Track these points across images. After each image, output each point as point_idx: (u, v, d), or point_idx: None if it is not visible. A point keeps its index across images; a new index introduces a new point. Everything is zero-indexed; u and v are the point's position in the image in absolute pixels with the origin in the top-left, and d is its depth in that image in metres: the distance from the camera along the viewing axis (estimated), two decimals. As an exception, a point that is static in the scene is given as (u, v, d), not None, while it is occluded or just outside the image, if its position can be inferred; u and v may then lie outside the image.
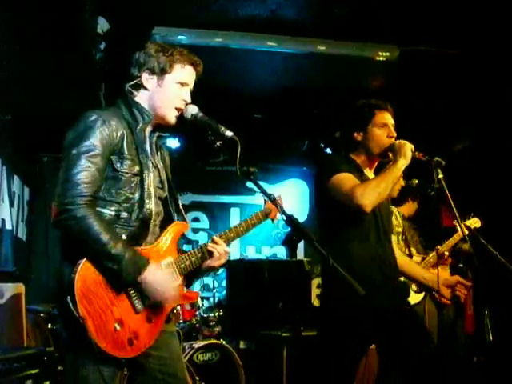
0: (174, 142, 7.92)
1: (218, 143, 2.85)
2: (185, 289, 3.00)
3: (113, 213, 2.75)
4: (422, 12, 5.24)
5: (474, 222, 5.06)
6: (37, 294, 6.95)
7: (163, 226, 2.99)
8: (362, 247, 3.57)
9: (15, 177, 5.85)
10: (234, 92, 6.63)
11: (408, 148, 3.53)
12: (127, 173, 2.78)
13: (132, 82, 2.92)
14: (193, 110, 2.94)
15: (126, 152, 2.78)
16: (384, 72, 6.16)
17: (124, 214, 2.77)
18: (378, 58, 5.94)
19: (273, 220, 3.45)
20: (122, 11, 5.24)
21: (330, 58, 5.93)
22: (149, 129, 2.95)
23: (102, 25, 5.22)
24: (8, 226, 5.54)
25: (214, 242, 3.09)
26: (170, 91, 2.92)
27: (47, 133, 7.05)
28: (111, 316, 2.65)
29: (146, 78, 2.90)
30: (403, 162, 3.52)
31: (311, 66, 6.14)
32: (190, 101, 2.95)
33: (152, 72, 2.90)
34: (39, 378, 4.10)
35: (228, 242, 3.17)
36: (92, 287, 2.61)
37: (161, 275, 2.76)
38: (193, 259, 3.00)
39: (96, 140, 2.69)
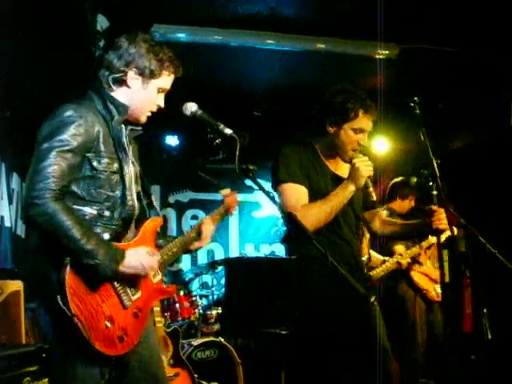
0: (173, 140, 7.93)
1: (217, 141, 2.85)
2: (164, 284, 3.04)
3: (95, 212, 2.71)
4: (421, 10, 5.24)
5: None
6: (36, 291, 6.95)
7: (137, 221, 2.95)
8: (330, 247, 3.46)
9: (14, 174, 5.83)
10: (233, 89, 6.63)
11: (361, 174, 3.37)
12: (106, 171, 2.73)
13: (116, 76, 2.83)
14: (192, 107, 2.94)
15: (102, 149, 2.73)
16: (383, 70, 6.15)
17: (106, 213, 2.74)
18: (377, 56, 5.94)
19: (228, 214, 3.60)
20: (122, 9, 5.24)
21: (329, 55, 5.94)
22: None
23: (102, 22, 5.22)
24: (7, 224, 5.53)
25: (203, 222, 3.28)
26: (151, 95, 2.88)
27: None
28: (102, 313, 2.64)
29: (132, 77, 2.83)
30: (352, 189, 3.40)
31: (310, 63, 6.14)
32: (163, 106, 2.93)
33: (140, 73, 2.83)
34: (38, 376, 4.09)
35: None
36: (82, 285, 2.60)
37: (139, 253, 2.74)
38: (169, 253, 3.07)
39: (70, 136, 2.62)
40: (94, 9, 5.17)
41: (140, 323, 2.82)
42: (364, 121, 3.50)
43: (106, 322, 2.64)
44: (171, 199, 8.22)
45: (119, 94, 2.86)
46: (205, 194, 8.38)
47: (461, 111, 6.53)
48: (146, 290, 2.85)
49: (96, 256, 2.57)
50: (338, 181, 3.55)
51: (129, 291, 2.76)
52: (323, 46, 5.88)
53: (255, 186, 2.79)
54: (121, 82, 2.85)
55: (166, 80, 2.90)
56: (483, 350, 5.76)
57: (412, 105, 3.39)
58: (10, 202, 5.67)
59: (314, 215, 3.37)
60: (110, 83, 2.84)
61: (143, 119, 2.93)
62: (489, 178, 6.43)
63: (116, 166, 2.77)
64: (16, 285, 4.93)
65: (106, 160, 2.73)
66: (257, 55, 5.94)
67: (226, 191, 3.50)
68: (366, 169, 3.37)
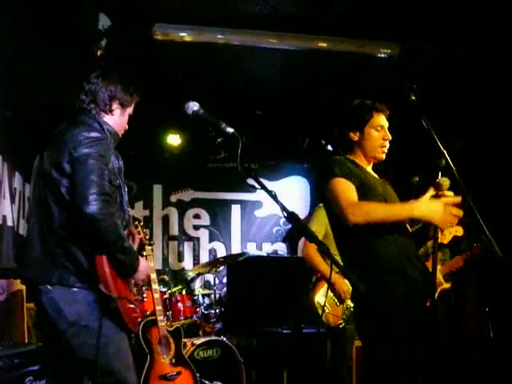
0: (174, 139, 7.93)
1: (218, 140, 2.87)
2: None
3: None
4: (423, 9, 5.24)
5: (456, 231, 4.99)
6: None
7: None
8: (386, 242, 3.49)
9: (16, 173, 5.84)
10: (235, 89, 6.63)
11: (439, 218, 3.31)
12: (113, 185, 3.20)
13: (103, 108, 3.38)
14: (194, 106, 2.96)
15: (111, 166, 3.19)
16: (385, 69, 6.16)
17: (119, 222, 3.18)
18: (379, 55, 5.94)
19: None
20: (123, 7, 5.24)
21: (331, 54, 5.93)
22: None
23: (103, 21, 5.22)
24: (9, 223, 5.53)
25: None
26: (124, 120, 3.50)
27: (48, 129, 7.06)
28: (127, 298, 3.22)
29: (115, 108, 3.42)
30: (417, 215, 3.37)
31: (312, 62, 6.14)
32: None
33: (121, 105, 3.44)
34: (40, 375, 4.10)
35: None
36: (114, 275, 3.13)
37: (143, 262, 3.38)
38: None
39: (103, 150, 3.14)
40: (95, 7, 5.17)
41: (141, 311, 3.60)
42: (379, 118, 3.72)
43: (131, 305, 3.26)
44: (173, 198, 8.22)
45: (109, 119, 3.41)
46: (207, 193, 8.39)
47: (461, 111, 6.52)
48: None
49: (130, 254, 3.21)
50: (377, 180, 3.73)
51: (132, 285, 3.39)
52: (325, 44, 5.88)
53: (257, 185, 2.80)
54: (107, 112, 3.42)
55: (133, 106, 3.54)
56: (486, 349, 5.77)
57: (406, 91, 3.41)
58: (13, 202, 5.68)
59: (373, 213, 3.36)
60: (101, 112, 3.40)
61: (120, 134, 3.51)
62: (488, 179, 6.42)
63: (118, 181, 3.27)
64: (18, 284, 4.94)
65: (113, 176, 3.21)
66: (257, 54, 5.94)
67: None
68: (449, 219, 3.31)
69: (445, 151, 3.32)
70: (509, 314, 5.87)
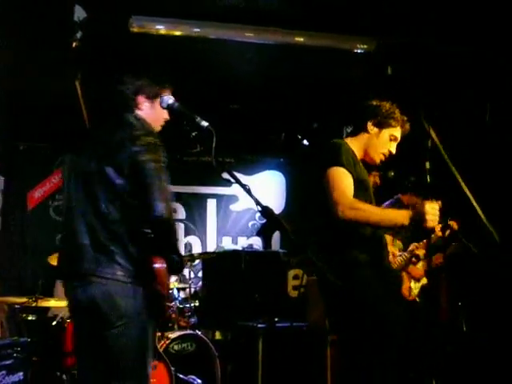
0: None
1: (193, 133, 2.88)
2: None
3: None
4: (399, 3, 5.26)
5: (452, 225, 5.07)
6: (12, 284, 6.92)
7: None
8: (370, 232, 3.61)
9: None
10: (211, 82, 6.61)
11: (424, 220, 3.40)
12: None
13: (131, 103, 3.38)
14: (168, 100, 2.97)
15: None
16: (362, 64, 6.18)
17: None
18: (355, 50, 5.96)
19: None
20: (99, -1, 5.20)
21: (307, 49, 5.94)
22: None
23: (79, 13, 5.18)
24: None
25: None
26: (157, 113, 3.38)
27: (23, 121, 7.01)
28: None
29: (142, 101, 3.35)
30: (405, 223, 3.46)
31: (288, 56, 6.14)
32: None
33: (148, 98, 3.34)
34: (13, 369, 4.09)
35: None
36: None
37: None
38: None
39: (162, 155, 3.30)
40: (71, -1, 5.13)
41: None
42: (399, 131, 3.84)
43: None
44: (148, 192, 8.18)
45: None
46: (183, 187, 8.36)
47: (437, 108, 6.55)
48: None
49: (180, 256, 3.30)
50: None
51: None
52: (301, 39, 5.88)
53: (232, 179, 2.80)
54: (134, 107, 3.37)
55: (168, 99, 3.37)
56: (459, 342, 5.83)
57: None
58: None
59: (364, 216, 3.44)
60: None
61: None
62: (466, 176, 6.46)
63: None
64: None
65: None
66: (234, 48, 5.92)
67: None
68: (432, 218, 3.41)
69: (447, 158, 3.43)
70: (481, 308, 5.94)
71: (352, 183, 3.54)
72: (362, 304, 3.44)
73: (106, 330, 3.08)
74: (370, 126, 3.80)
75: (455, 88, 6.23)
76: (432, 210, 3.39)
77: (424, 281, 5.39)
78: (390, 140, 3.81)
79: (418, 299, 5.34)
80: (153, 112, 3.36)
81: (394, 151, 3.83)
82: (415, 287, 5.50)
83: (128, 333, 3.12)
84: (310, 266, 3.06)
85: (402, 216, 3.44)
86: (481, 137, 6.36)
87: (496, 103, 6.23)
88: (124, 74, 3.38)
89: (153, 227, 3.13)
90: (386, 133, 3.79)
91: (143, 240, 3.15)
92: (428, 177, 3.85)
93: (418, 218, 3.40)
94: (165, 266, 3.18)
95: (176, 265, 3.26)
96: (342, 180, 3.51)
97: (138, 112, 3.34)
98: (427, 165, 3.87)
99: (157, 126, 3.41)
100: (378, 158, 3.83)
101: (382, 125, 3.79)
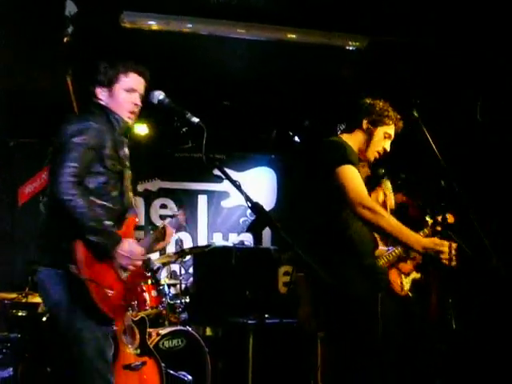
0: (141, 128, 7.88)
1: (183, 129, 2.88)
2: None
3: (101, 203, 3.27)
4: (391, 2, 5.27)
5: (448, 218, 5.06)
6: (2, 280, 6.90)
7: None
8: (361, 229, 3.67)
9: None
10: (204, 78, 6.61)
11: (438, 256, 3.46)
12: (112, 171, 3.32)
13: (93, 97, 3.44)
14: (159, 95, 2.97)
15: (111, 153, 3.30)
16: (354, 61, 6.18)
17: (109, 205, 3.30)
18: (347, 48, 5.96)
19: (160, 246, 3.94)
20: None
21: (299, 46, 5.94)
22: None
23: (70, 8, 5.16)
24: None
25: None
26: (119, 98, 3.42)
27: (13, 117, 6.99)
28: (107, 282, 3.20)
29: (99, 92, 3.43)
30: (416, 248, 3.50)
31: (281, 53, 6.14)
32: (139, 104, 3.46)
33: (102, 85, 3.42)
34: (3, 364, 4.09)
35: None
36: (90, 256, 3.15)
37: (130, 246, 3.29)
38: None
39: (91, 137, 3.20)
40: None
41: (131, 295, 3.45)
42: (393, 129, 3.89)
43: (109, 290, 3.21)
44: (139, 188, 8.17)
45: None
46: (174, 183, 8.36)
47: (427, 105, 6.56)
48: (132, 272, 3.39)
49: (102, 235, 3.15)
50: None
51: (121, 270, 3.31)
52: (293, 36, 5.88)
53: (222, 175, 2.80)
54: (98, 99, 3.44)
55: (126, 81, 3.43)
56: (448, 340, 5.84)
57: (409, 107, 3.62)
58: None
59: (382, 224, 3.47)
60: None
61: (126, 120, 3.47)
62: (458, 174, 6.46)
63: (119, 167, 3.38)
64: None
65: (112, 161, 3.32)
66: (226, 44, 5.92)
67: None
68: (445, 257, 3.43)
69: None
70: (471, 306, 5.96)
71: (360, 178, 3.61)
72: (350, 301, 3.46)
73: (46, 319, 3.26)
74: (364, 124, 3.84)
75: (447, 86, 6.24)
76: (449, 250, 3.43)
77: (414, 275, 5.38)
78: (385, 138, 3.85)
79: (410, 294, 5.34)
80: (112, 100, 3.42)
81: (388, 149, 3.86)
82: (406, 282, 5.50)
83: (59, 322, 3.19)
84: (300, 263, 3.07)
85: (417, 241, 3.48)
86: (472, 135, 6.37)
87: (487, 101, 6.24)
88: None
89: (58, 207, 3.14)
90: (381, 131, 3.83)
91: (60, 224, 3.17)
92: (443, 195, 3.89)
93: (433, 248, 3.44)
94: (83, 248, 3.12)
95: (95, 247, 3.15)
96: (355, 178, 3.56)
97: (100, 102, 3.42)
98: (442, 183, 3.91)
99: (123, 112, 3.43)
100: (372, 155, 3.87)
101: (376, 123, 3.82)
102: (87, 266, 3.11)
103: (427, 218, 4.94)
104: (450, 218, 5.07)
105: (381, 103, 3.88)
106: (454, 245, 3.46)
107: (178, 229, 3.96)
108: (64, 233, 3.15)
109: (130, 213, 3.55)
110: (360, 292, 3.51)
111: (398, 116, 3.89)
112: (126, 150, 3.50)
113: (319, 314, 3.86)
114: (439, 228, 4.72)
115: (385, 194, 3.94)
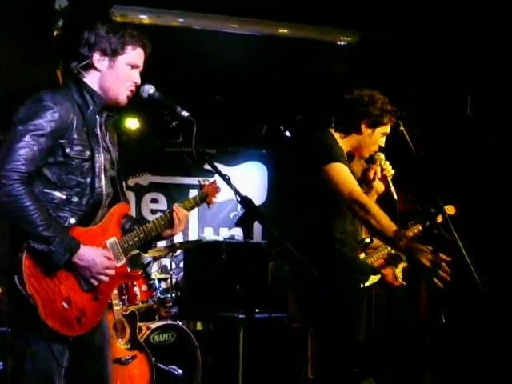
0: (132, 123, 7.85)
1: (173, 123, 2.86)
2: (128, 268, 3.11)
3: (63, 196, 2.81)
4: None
5: (449, 210, 5.00)
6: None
7: (110, 206, 3.05)
8: (344, 226, 3.70)
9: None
10: (195, 73, 6.59)
11: (417, 257, 3.40)
12: (77, 158, 2.83)
13: (83, 63, 2.93)
14: (149, 89, 2.94)
15: (76, 137, 2.82)
16: (345, 56, 6.18)
17: (75, 199, 2.83)
18: (339, 43, 5.96)
19: (209, 204, 3.56)
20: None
21: (291, 41, 5.93)
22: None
23: (60, 1, 5.14)
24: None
25: (176, 209, 3.24)
26: (119, 72, 2.95)
27: (10, 114, 6.95)
28: (59, 294, 2.72)
29: (98, 59, 2.92)
30: (392, 244, 3.53)
31: (272, 48, 6.13)
32: (139, 82, 2.98)
33: (103, 53, 2.92)
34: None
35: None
36: (39, 267, 2.68)
37: (91, 256, 2.79)
38: (136, 239, 3.06)
39: (45, 121, 2.71)
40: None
41: (99, 306, 2.90)
42: (389, 127, 3.82)
43: (64, 303, 2.73)
44: (130, 182, 8.16)
45: (91, 79, 2.94)
46: (165, 178, 8.35)
47: (418, 101, 6.58)
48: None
49: (51, 243, 2.64)
50: None
51: (82, 280, 2.81)
52: (285, 31, 5.87)
53: (213, 170, 2.80)
54: (90, 67, 2.94)
55: (132, 55, 2.97)
56: (438, 335, 5.87)
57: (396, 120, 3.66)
58: None
59: (369, 214, 3.43)
60: (81, 71, 2.93)
61: (122, 99, 3.00)
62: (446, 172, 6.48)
63: (88, 153, 2.86)
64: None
65: (78, 147, 2.83)
66: (218, 39, 5.90)
67: (205, 181, 3.51)
68: (426, 260, 3.37)
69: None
70: (461, 302, 5.98)
71: (350, 174, 3.59)
72: (337, 295, 3.49)
73: None
74: (363, 127, 3.77)
75: (437, 82, 6.25)
76: (430, 258, 3.34)
77: (403, 264, 5.38)
78: (382, 136, 3.83)
79: (404, 283, 5.35)
80: (110, 72, 2.94)
81: (383, 145, 3.85)
82: (398, 271, 5.51)
83: (15, 344, 2.81)
84: (289, 257, 3.08)
85: (394, 232, 3.39)
86: (462, 131, 6.38)
87: (478, 97, 6.26)
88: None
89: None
90: (379, 131, 3.79)
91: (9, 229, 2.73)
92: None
93: (414, 251, 3.37)
94: (25, 256, 2.63)
95: (41, 256, 2.66)
96: (342, 173, 3.54)
97: (91, 74, 2.94)
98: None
99: (117, 90, 2.96)
100: (368, 154, 3.86)
101: (375, 124, 3.76)
102: (34, 278, 2.64)
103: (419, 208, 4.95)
104: (451, 210, 5.01)
105: (379, 101, 3.79)
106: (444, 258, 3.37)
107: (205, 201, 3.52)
108: (10, 240, 2.70)
109: (122, 201, 3.12)
110: (346, 287, 3.55)
111: (394, 108, 3.81)
112: (104, 130, 2.99)
113: (307, 310, 3.88)
114: (440, 219, 4.67)
115: (381, 166, 3.87)
